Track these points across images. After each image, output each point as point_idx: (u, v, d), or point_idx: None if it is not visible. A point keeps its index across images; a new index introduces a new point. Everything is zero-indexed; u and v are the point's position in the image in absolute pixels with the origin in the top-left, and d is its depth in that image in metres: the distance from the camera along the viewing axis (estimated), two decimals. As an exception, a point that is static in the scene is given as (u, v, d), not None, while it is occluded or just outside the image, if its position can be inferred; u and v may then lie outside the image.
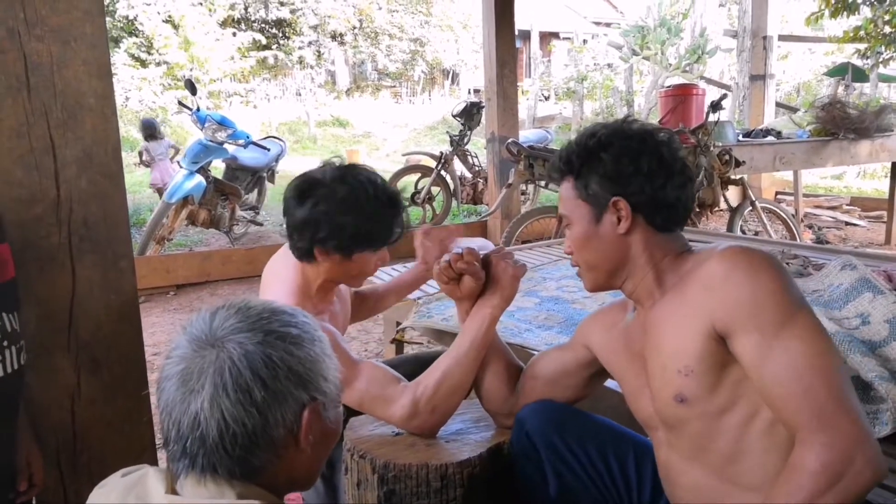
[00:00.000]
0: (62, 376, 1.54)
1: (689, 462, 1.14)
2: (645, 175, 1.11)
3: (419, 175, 6.85)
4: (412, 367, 1.54)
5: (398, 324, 2.56)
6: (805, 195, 7.04)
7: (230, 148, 5.70)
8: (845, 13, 8.86)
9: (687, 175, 1.15)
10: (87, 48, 1.51)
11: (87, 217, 1.53)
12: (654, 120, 7.54)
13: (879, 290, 2.05)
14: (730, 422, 1.06)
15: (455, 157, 6.79)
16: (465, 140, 6.82)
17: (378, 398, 1.36)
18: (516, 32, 5.87)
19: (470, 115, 6.74)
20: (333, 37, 18.37)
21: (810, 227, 6.48)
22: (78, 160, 1.51)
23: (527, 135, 7.74)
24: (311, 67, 17.70)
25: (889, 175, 6.37)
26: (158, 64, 14.57)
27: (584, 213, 1.17)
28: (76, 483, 1.58)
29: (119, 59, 13.92)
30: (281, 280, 1.53)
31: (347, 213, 1.40)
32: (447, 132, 7.17)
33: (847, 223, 6.85)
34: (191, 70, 14.25)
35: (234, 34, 15.90)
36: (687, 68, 13.75)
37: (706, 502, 1.11)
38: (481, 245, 1.52)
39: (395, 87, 19.28)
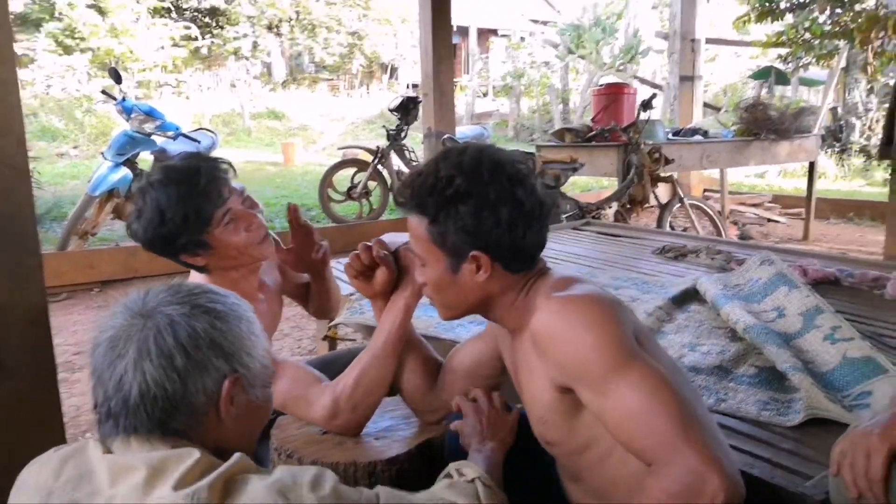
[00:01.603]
0: (-36, 381, 1.45)
1: (574, 484, 1.21)
2: (505, 227, 1.07)
3: (356, 169, 6.78)
4: (347, 362, 1.51)
5: (330, 320, 2.52)
6: (730, 193, 7.30)
7: (158, 140, 5.49)
8: (769, 18, 9.26)
9: (544, 213, 1.12)
10: (-12, 30, 1.42)
11: (-10, 212, 1.45)
12: (588, 118, 7.68)
13: (795, 284, 2.14)
14: (595, 457, 1.11)
15: (392, 151, 6.75)
16: (403, 135, 6.79)
17: (300, 399, 1.34)
18: (455, 28, 5.88)
19: (407, 109, 6.71)
20: (269, 28, 17.97)
21: (735, 223, 6.72)
22: (-21, 151, 1.43)
23: (464, 131, 7.77)
24: (247, 59, 17.25)
25: (807, 174, 6.67)
26: (83, 51, 13.91)
27: (440, 259, 1.12)
28: (-19, 493, 1.49)
29: (41, 44, 13.21)
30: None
31: (164, 216, 1.36)
32: (384, 127, 7.11)
33: (769, 220, 7.14)
34: (117, 59, 13.65)
35: (165, 24, 15.31)
36: (621, 67, 14.11)
37: None
38: (392, 241, 1.49)
39: (332, 80, 19.00)
